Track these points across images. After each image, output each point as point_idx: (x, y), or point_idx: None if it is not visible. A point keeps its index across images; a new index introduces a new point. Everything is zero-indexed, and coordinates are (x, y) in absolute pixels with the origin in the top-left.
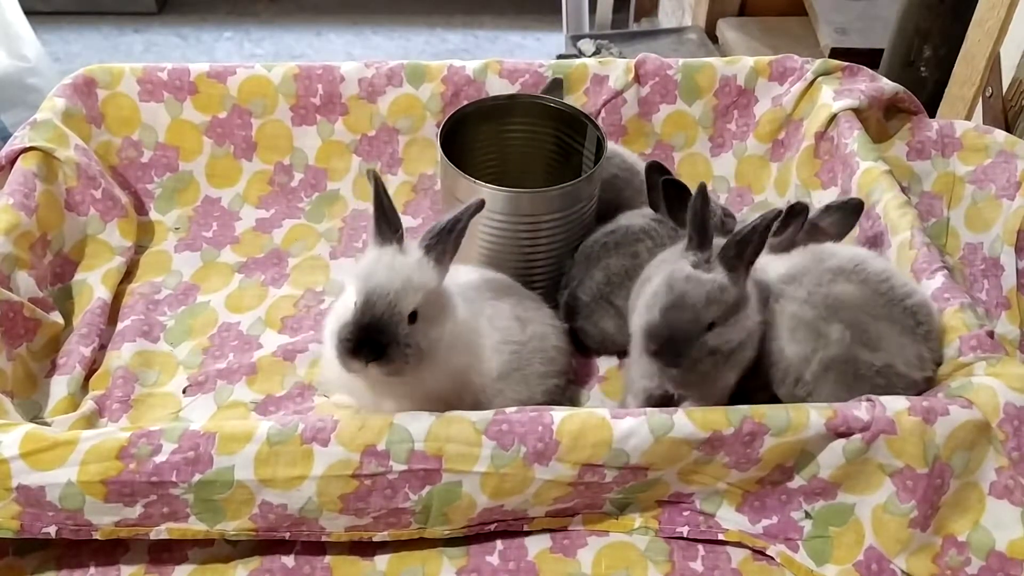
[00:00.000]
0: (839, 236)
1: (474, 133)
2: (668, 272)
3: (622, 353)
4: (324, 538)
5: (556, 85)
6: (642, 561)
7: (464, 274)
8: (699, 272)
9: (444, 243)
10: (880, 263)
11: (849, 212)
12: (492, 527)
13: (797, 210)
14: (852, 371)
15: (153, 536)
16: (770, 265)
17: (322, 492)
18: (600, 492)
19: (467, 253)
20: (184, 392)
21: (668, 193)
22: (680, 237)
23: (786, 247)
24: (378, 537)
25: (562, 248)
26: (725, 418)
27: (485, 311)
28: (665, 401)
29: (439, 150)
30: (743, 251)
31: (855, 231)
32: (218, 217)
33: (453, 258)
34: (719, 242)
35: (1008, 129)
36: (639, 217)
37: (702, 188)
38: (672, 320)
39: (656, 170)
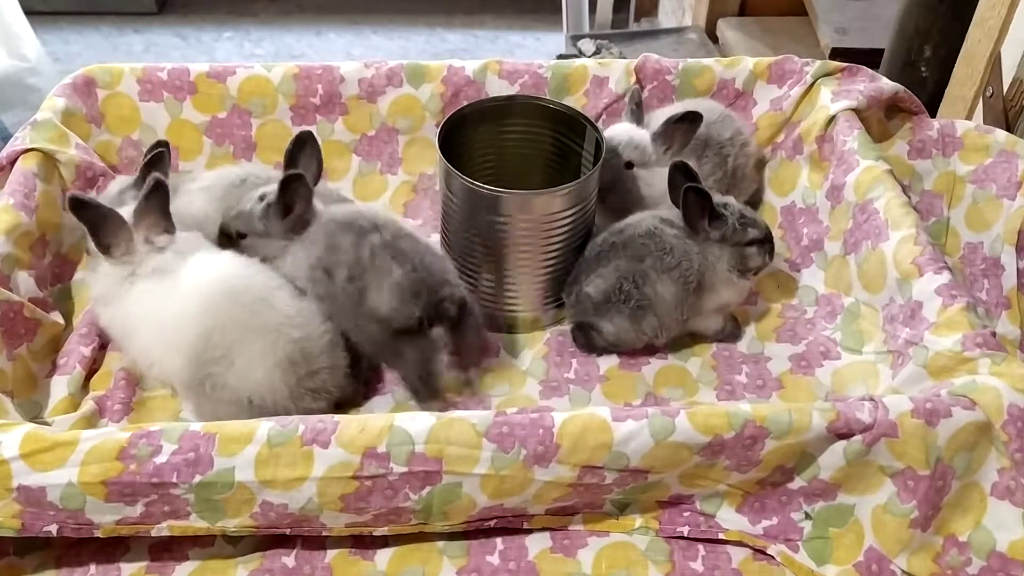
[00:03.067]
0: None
1: (473, 134)
2: None
3: (625, 353)
4: (325, 533)
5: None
6: (642, 561)
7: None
8: None
9: None
10: None
11: (689, 123)
12: (492, 523)
13: (691, 118)
14: None
15: (155, 533)
16: None
17: (322, 493)
18: (600, 493)
19: (463, 256)
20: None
21: (687, 199)
22: (685, 243)
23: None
24: (378, 532)
25: (563, 250)
26: (726, 421)
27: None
28: None
29: (437, 151)
30: None
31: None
32: None
33: None
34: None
35: (1009, 129)
36: (649, 218)
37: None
38: None
39: (681, 171)
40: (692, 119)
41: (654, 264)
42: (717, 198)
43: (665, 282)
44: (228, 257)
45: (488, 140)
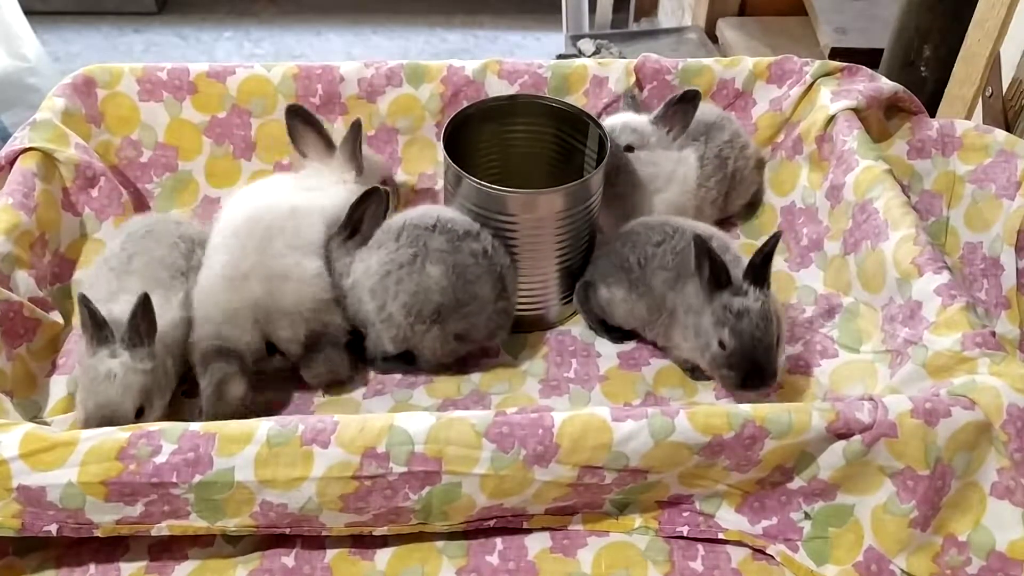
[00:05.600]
0: (685, 126)
1: (476, 134)
2: None
3: (626, 353)
4: (324, 533)
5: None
6: (642, 561)
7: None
8: None
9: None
10: None
11: (687, 103)
12: (492, 523)
13: (689, 97)
14: None
15: (154, 533)
16: None
17: (322, 492)
18: (600, 493)
19: None
20: (183, 394)
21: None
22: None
23: (676, 136)
24: (378, 532)
25: (567, 248)
26: (726, 421)
27: None
28: None
29: (442, 152)
30: None
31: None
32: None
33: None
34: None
35: (1008, 129)
36: (689, 229)
37: None
38: None
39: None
40: (690, 98)
41: (660, 258)
42: (735, 275)
43: (658, 276)
44: (302, 192)
45: (491, 140)
